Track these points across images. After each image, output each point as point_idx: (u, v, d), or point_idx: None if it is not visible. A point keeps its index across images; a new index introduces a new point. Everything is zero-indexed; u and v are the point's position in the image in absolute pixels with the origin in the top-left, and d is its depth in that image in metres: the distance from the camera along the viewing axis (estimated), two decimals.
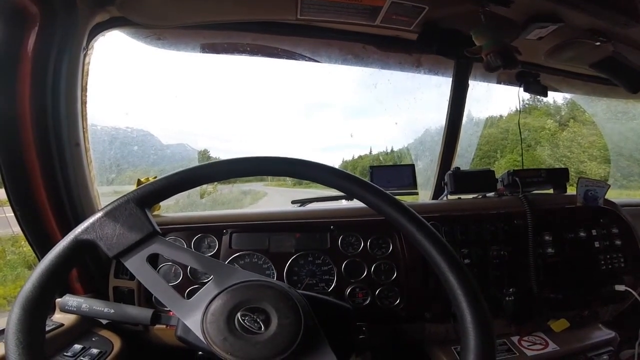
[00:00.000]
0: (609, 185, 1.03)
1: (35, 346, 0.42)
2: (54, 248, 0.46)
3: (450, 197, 1.17)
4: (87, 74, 0.89)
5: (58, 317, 0.79)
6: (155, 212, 0.97)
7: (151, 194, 0.51)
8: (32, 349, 0.41)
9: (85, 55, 0.86)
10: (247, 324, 0.43)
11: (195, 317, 0.45)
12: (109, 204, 0.49)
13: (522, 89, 1.28)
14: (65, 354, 0.74)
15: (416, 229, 0.49)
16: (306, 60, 1.20)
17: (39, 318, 0.44)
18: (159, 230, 0.49)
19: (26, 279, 0.45)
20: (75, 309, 0.70)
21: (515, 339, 0.95)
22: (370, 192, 0.51)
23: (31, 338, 0.42)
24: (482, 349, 0.41)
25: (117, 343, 0.80)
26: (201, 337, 0.43)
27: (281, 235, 0.93)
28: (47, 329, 0.75)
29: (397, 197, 1.18)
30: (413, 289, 0.91)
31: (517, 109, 1.39)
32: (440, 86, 1.34)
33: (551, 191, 1.15)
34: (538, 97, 1.35)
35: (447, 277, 0.45)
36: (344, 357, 0.60)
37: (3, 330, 0.76)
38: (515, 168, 1.12)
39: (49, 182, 0.78)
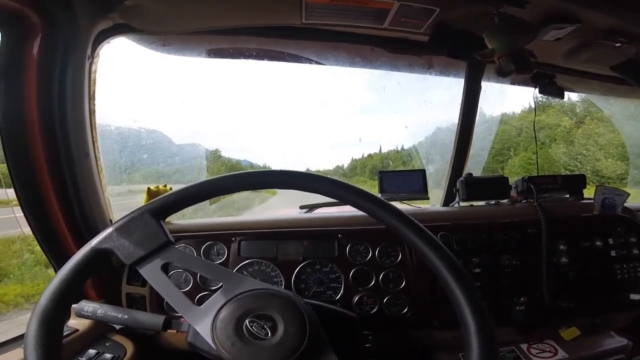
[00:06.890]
0: (629, 194, 1.00)
1: (53, 351, 0.43)
2: (72, 257, 0.48)
3: (462, 203, 1.15)
4: (94, 83, 0.89)
5: (73, 322, 0.81)
6: (166, 220, 0.98)
7: (165, 207, 0.53)
8: (50, 354, 0.43)
9: (91, 64, 0.85)
10: (255, 330, 0.45)
11: (205, 323, 0.47)
12: (124, 217, 0.51)
13: (537, 90, 1.24)
14: (80, 358, 0.76)
15: (420, 240, 0.49)
16: (312, 64, 1.18)
17: (57, 324, 0.46)
18: (173, 240, 0.51)
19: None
20: (91, 315, 0.72)
21: (524, 346, 0.94)
22: (369, 201, 0.52)
23: (50, 343, 0.44)
24: None
25: (129, 348, 0.82)
26: (210, 343, 0.45)
27: (289, 243, 0.93)
28: (63, 334, 0.77)
29: (407, 202, 1.15)
30: (421, 297, 0.91)
31: (530, 106, 1.35)
32: (451, 88, 1.31)
33: (567, 196, 1.12)
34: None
35: (451, 287, 0.46)
36: None
37: (23, 335, 0.79)
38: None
39: (60, 192, 0.79)
